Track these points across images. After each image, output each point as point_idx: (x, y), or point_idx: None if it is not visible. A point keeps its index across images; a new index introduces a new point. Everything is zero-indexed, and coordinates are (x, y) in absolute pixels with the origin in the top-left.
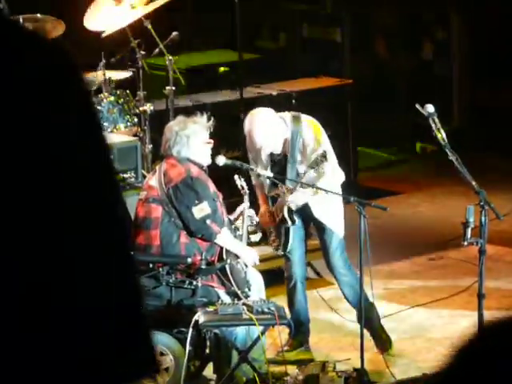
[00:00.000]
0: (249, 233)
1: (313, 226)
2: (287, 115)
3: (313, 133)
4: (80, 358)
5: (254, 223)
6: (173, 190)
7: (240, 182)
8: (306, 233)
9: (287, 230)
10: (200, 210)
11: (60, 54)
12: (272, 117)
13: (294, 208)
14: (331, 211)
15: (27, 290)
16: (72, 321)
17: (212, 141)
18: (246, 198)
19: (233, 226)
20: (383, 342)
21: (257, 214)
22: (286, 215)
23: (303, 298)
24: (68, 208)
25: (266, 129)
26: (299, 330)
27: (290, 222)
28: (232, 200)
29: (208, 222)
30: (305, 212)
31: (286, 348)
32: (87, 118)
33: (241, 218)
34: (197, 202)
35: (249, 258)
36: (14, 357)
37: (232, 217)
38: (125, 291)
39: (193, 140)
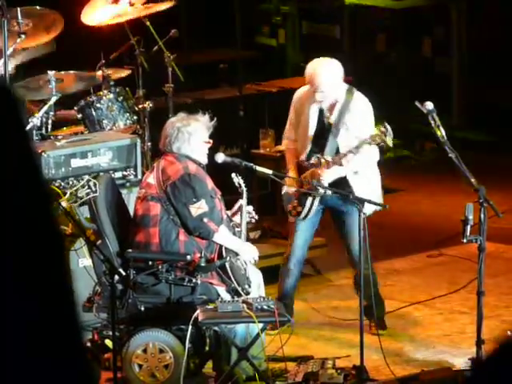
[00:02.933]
0: (248, 230)
1: (339, 209)
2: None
3: (363, 110)
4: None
5: (253, 220)
6: (171, 188)
7: (237, 179)
8: (319, 220)
9: (313, 200)
10: (197, 208)
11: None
12: (340, 69)
13: (326, 183)
14: (370, 190)
15: None
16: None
17: (211, 141)
18: (244, 195)
19: (231, 224)
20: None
21: (254, 208)
22: (319, 184)
23: (294, 278)
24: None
25: (333, 75)
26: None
27: (321, 191)
28: (230, 197)
29: (205, 220)
30: (342, 187)
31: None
32: (24, 158)
33: (239, 213)
34: (194, 199)
35: (248, 255)
36: None
37: (230, 212)
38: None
39: (194, 137)
